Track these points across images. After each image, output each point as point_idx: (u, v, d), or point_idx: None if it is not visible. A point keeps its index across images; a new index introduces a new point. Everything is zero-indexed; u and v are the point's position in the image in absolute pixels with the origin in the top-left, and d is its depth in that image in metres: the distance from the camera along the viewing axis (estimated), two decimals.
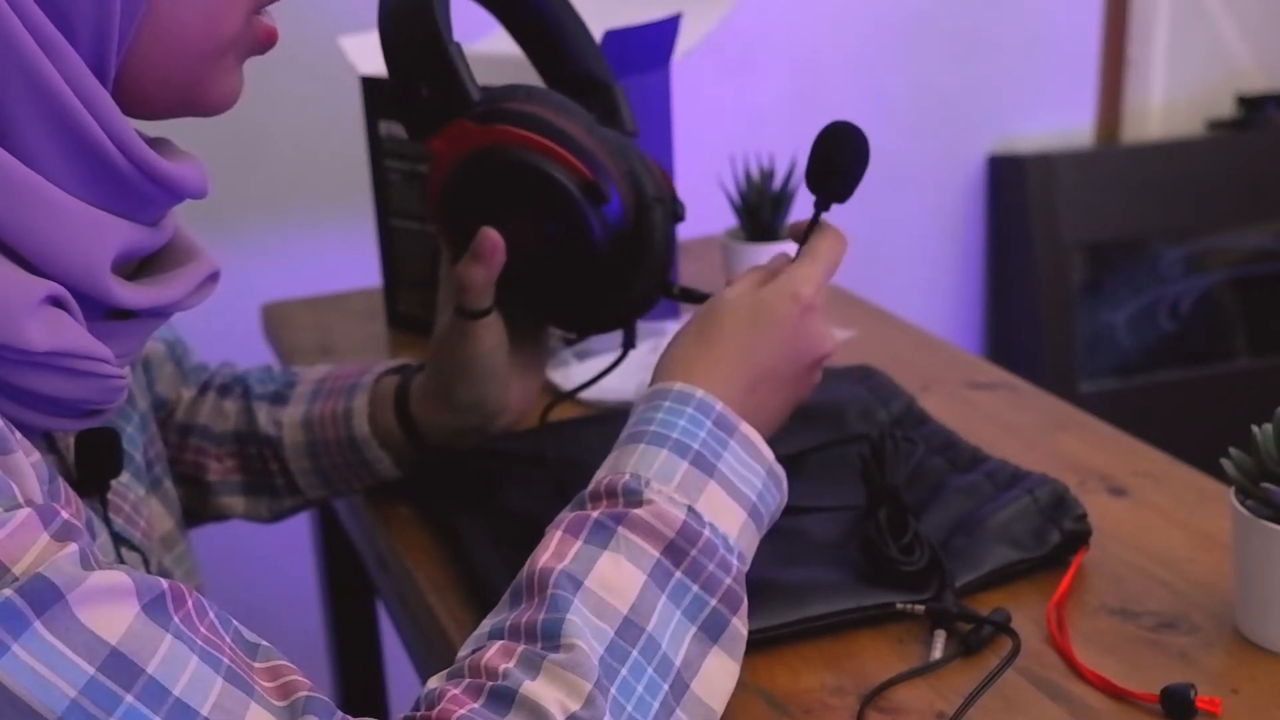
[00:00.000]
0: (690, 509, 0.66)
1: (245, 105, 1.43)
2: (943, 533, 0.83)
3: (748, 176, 1.23)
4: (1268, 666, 0.73)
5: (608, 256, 0.82)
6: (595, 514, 0.65)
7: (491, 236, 0.81)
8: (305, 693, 0.53)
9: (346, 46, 1.24)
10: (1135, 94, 2.24)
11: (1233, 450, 0.75)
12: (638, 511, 0.65)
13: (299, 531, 1.51)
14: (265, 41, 0.63)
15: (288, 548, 1.64)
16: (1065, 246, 2.15)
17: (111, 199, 0.57)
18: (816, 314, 0.76)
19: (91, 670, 0.47)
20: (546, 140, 0.79)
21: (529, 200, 0.80)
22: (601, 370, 0.91)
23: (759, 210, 1.23)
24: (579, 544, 0.64)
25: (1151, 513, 0.90)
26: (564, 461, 0.94)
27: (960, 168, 2.14)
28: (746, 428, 0.71)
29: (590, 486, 0.68)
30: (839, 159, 0.78)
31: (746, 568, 0.68)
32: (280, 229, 1.73)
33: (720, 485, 0.68)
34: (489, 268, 0.82)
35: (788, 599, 0.77)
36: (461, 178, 0.81)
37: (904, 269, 2.11)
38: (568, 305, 0.86)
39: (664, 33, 1.16)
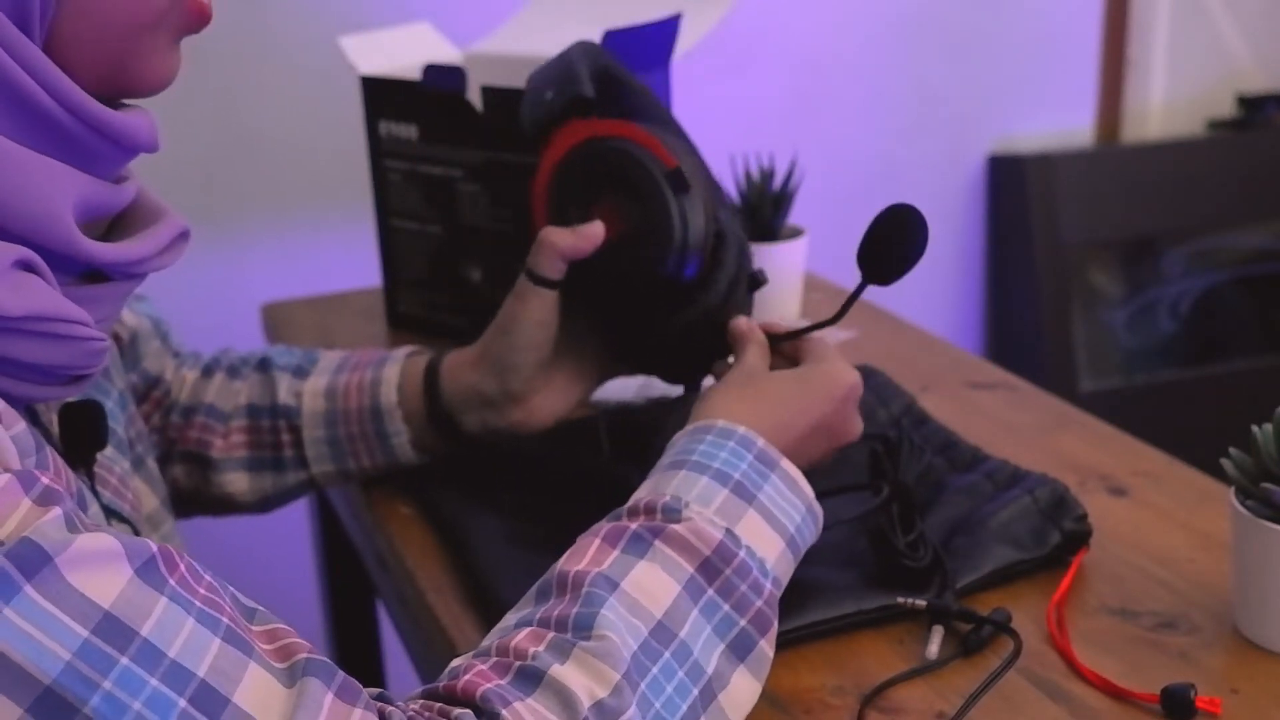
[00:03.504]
0: (728, 531, 0.67)
1: (245, 105, 1.44)
2: (943, 533, 0.83)
3: (748, 176, 1.23)
4: (1268, 666, 0.73)
5: (677, 265, 0.84)
6: (634, 526, 0.66)
7: (597, 225, 0.85)
8: (305, 654, 0.53)
9: (346, 46, 1.24)
10: (1135, 94, 2.24)
11: (1233, 450, 0.75)
12: (675, 527, 0.66)
13: (299, 531, 1.51)
14: (198, 18, 0.61)
15: (287, 548, 1.64)
16: (1065, 246, 2.15)
17: (60, 153, 0.56)
18: (855, 403, 0.81)
19: (85, 633, 0.47)
20: (642, 131, 0.85)
21: (619, 184, 0.85)
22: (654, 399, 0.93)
23: (759, 210, 1.23)
24: (616, 552, 0.65)
25: (1151, 513, 0.90)
26: (567, 460, 0.94)
27: (960, 168, 2.14)
28: (787, 464, 0.73)
29: (629, 503, 0.69)
30: (898, 247, 0.80)
31: (780, 592, 0.69)
32: (280, 229, 1.73)
33: (759, 513, 0.70)
34: (577, 243, 0.85)
35: (789, 603, 0.77)
36: (564, 168, 0.87)
37: None
38: (626, 310, 0.88)
39: (664, 33, 1.16)
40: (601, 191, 0.85)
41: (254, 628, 0.54)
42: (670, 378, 0.92)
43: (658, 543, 0.66)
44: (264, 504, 0.98)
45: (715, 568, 0.66)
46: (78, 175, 0.57)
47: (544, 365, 0.89)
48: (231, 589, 0.55)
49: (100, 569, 0.48)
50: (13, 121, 0.55)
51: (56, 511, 0.49)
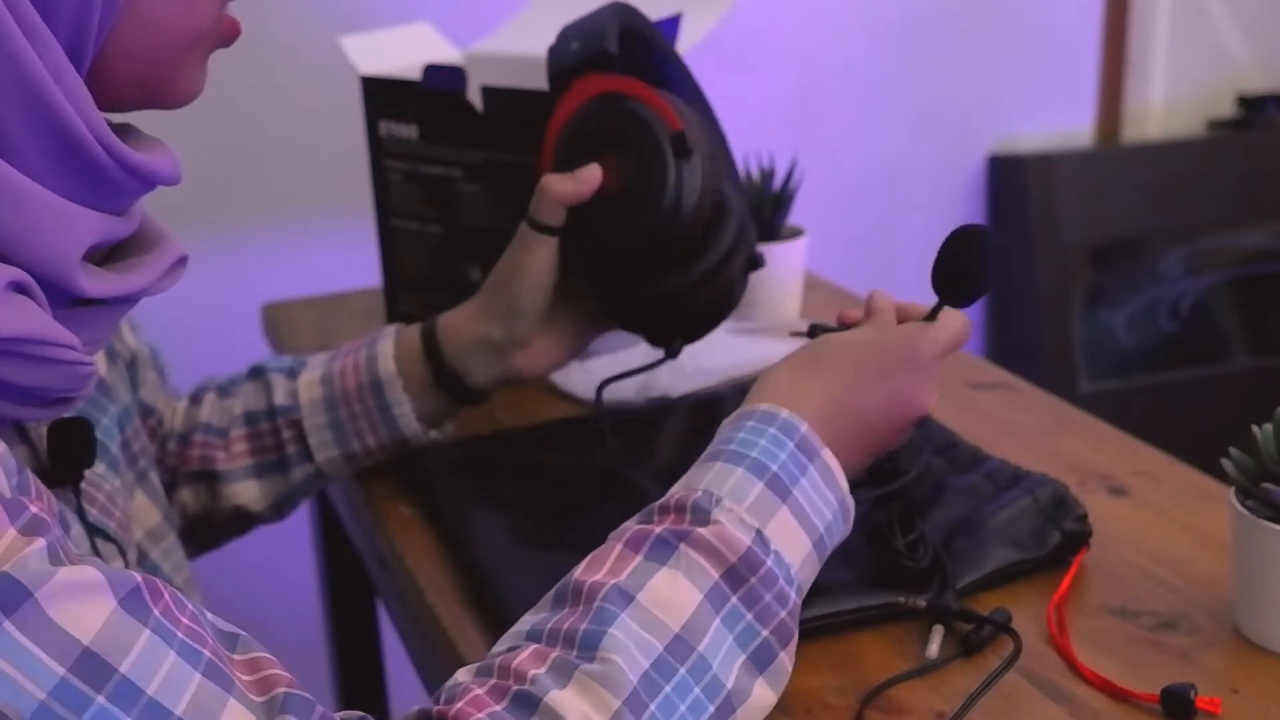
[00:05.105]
0: (759, 533, 0.65)
1: (245, 105, 1.44)
2: (943, 533, 0.83)
3: (748, 176, 1.23)
4: (1268, 666, 0.73)
5: (670, 228, 0.85)
6: (659, 529, 0.64)
7: (594, 168, 0.87)
8: (284, 688, 0.53)
9: (346, 46, 1.24)
10: (1135, 94, 2.24)
11: (1233, 450, 0.75)
12: (702, 531, 0.64)
13: (299, 532, 1.51)
14: (231, 34, 0.63)
15: (288, 548, 1.64)
16: (1065, 246, 2.15)
17: (86, 191, 0.57)
18: (926, 374, 0.75)
19: (62, 671, 0.46)
20: (654, 93, 0.87)
21: (624, 140, 0.86)
22: (638, 368, 0.94)
23: (759, 210, 1.23)
24: (638, 559, 0.63)
25: (1151, 513, 0.90)
26: (569, 458, 0.94)
27: (960, 168, 2.14)
28: (828, 455, 0.70)
29: (661, 500, 0.67)
30: (974, 267, 0.78)
31: (801, 600, 0.67)
32: (280, 229, 1.73)
33: (792, 511, 0.67)
34: (575, 188, 0.87)
35: None
36: (577, 118, 0.89)
37: (904, 269, 2.11)
38: (615, 265, 0.89)
39: (664, 32, 1.16)
40: (608, 146, 0.87)
41: (236, 656, 0.53)
42: (653, 339, 0.92)
43: (683, 547, 0.63)
44: (277, 509, 0.97)
45: (741, 575, 0.63)
46: (94, 217, 0.58)
47: (546, 313, 0.91)
48: (210, 616, 0.54)
49: (82, 602, 0.48)
50: (53, 166, 0.55)
51: (40, 543, 0.49)
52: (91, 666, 0.47)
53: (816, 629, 0.77)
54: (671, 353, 0.91)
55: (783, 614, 0.64)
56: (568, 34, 0.91)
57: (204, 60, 0.63)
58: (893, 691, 0.72)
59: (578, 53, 0.89)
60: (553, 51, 0.91)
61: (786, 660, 0.64)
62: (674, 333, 0.91)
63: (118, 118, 0.63)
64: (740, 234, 0.88)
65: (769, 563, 0.64)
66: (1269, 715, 0.69)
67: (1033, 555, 0.82)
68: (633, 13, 0.92)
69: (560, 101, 0.90)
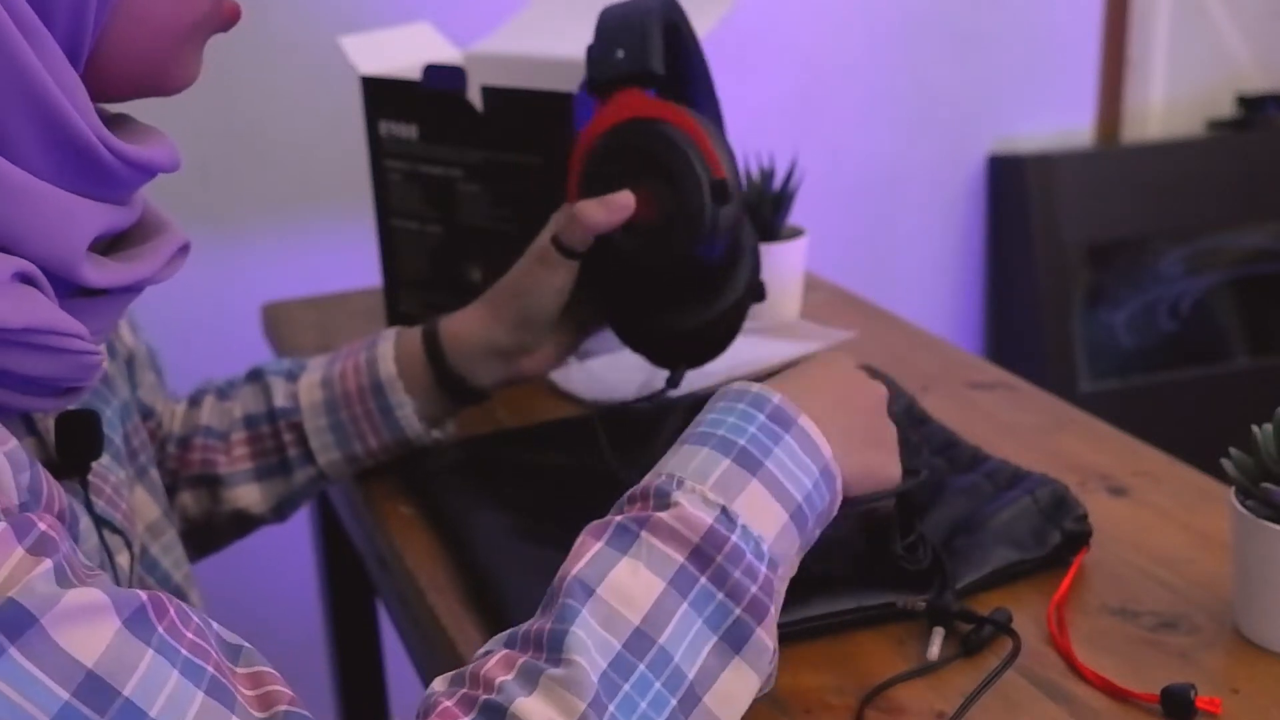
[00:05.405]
0: (724, 509, 0.63)
1: (245, 105, 1.44)
2: (943, 533, 0.83)
3: (748, 176, 1.23)
4: (1268, 666, 0.73)
5: (694, 271, 0.87)
6: (619, 517, 0.63)
7: (627, 196, 0.87)
8: (285, 706, 0.53)
9: (346, 46, 1.24)
10: (1135, 94, 2.24)
11: (1233, 450, 0.75)
12: (661, 515, 0.62)
13: (299, 531, 1.51)
14: (231, 19, 0.63)
15: (288, 548, 1.64)
16: (1065, 246, 2.15)
17: (87, 184, 0.57)
18: (849, 365, 0.77)
19: (66, 695, 0.47)
20: (701, 130, 0.86)
21: (662, 172, 0.86)
22: (641, 397, 0.95)
23: (759, 210, 1.23)
24: (598, 545, 0.62)
25: (1151, 513, 0.90)
26: (568, 458, 0.95)
27: (960, 168, 2.14)
28: (806, 421, 0.67)
29: (630, 490, 0.66)
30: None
31: (782, 573, 0.65)
32: (280, 229, 1.73)
33: (764, 483, 0.64)
34: (608, 217, 0.87)
35: (790, 597, 0.76)
36: (617, 135, 0.88)
37: (904, 269, 2.11)
38: (629, 291, 0.91)
39: None
40: (644, 172, 0.87)
41: (238, 669, 0.53)
42: (656, 361, 0.94)
43: (644, 534, 0.62)
44: (279, 511, 0.97)
45: (706, 555, 0.61)
46: (96, 206, 0.58)
47: (554, 321, 0.92)
48: (216, 626, 0.54)
49: (87, 625, 0.48)
50: (54, 161, 0.55)
51: (47, 564, 0.49)
52: (95, 690, 0.47)
53: (816, 629, 0.77)
54: (673, 381, 0.92)
55: (754, 589, 0.62)
56: (610, 37, 0.89)
57: (200, 48, 0.62)
58: (893, 691, 0.72)
59: (622, 64, 0.88)
60: (596, 55, 0.89)
61: (765, 636, 0.62)
62: (678, 359, 0.92)
63: (114, 107, 0.63)
64: (751, 275, 0.90)
65: (734, 538, 0.62)
66: (1269, 715, 0.69)
67: (1033, 555, 0.82)
68: (675, 8, 0.91)
69: (599, 110, 0.89)
